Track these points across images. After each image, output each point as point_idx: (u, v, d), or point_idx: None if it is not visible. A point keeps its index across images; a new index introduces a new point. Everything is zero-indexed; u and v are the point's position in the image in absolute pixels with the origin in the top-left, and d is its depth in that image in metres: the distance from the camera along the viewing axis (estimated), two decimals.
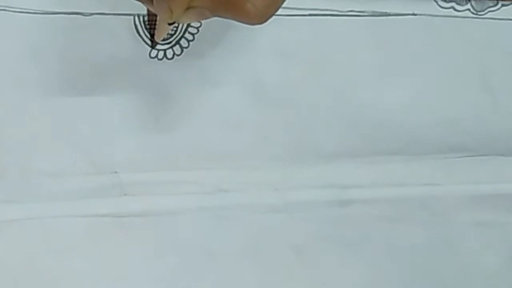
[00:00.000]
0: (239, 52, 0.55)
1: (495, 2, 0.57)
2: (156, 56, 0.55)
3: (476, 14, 0.57)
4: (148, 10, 0.53)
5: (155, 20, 0.53)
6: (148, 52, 0.54)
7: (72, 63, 0.54)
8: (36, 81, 0.54)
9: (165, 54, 0.55)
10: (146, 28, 0.54)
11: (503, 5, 0.57)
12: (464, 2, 0.56)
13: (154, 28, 0.53)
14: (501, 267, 0.60)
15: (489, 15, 0.57)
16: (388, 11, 0.56)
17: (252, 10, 0.41)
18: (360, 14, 0.56)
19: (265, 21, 0.42)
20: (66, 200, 0.55)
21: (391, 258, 0.59)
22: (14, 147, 0.55)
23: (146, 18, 0.54)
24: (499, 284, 0.60)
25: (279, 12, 0.54)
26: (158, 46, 0.54)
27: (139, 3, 0.44)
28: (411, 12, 0.56)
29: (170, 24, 0.46)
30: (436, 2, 0.56)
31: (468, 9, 0.57)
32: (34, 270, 0.54)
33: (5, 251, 0.54)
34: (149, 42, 0.54)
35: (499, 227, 0.60)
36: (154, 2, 0.43)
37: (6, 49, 0.53)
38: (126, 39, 0.54)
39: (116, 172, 0.56)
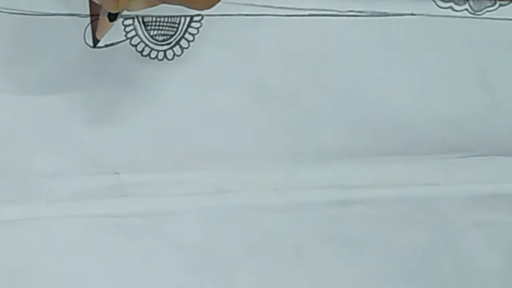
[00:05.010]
0: (240, 52, 0.55)
1: (493, 2, 0.57)
2: (156, 57, 0.55)
3: (474, 14, 0.57)
4: (90, 6, 0.52)
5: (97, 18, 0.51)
6: (141, 51, 0.54)
7: (71, 64, 0.54)
8: (36, 82, 0.54)
9: (165, 55, 0.55)
10: (146, 30, 0.54)
11: (501, 5, 0.57)
12: (462, 2, 0.57)
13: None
14: (501, 267, 0.60)
15: (487, 15, 0.57)
16: (387, 11, 0.56)
17: None
18: (359, 14, 0.56)
19: (213, 6, 0.42)
20: (66, 200, 0.55)
21: (391, 258, 0.59)
22: (14, 147, 0.55)
23: (145, 20, 0.54)
24: (499, 284, 0.60)
25: (279, 12, 0.55)
26: (158, 47, 0.55)
27: None
28: (409, 12, 0.57)
29: (111, 19, 0.44)
30: (435, 2, 0.57)
31: (466, 9, 0.57)
32: (34, 270, 0.54)
33: (5, 251, 0.54)
34: (149, 44, 0.54)
35: (499, 227, 0.60)
36: None
37: (3, 50, 0.53)
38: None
39: (116, 173, 0.56)
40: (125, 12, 0.44)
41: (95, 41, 0.53)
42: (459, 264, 0.60)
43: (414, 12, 0.57)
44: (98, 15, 0.50)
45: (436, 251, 0.60)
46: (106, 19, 0.45)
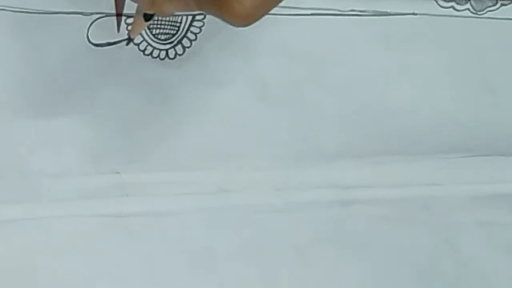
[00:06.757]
0: (242, 51, 0.55)
1: (495, 1, 0.57)
2: (158, 56, 0.55)
3: (475, 13, 0.57)
4: (116, 5, 0.52)
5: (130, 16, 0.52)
6: (143, 50, 0.54)
7: (73, 62, 0.54)
8: (37, 80, 0.53)
9: (167, 54, 0.55)
10: (148, 28, 0.54)
11: (502, 5, 0.57)
12: (464, 1, 0.57)
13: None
14: (501, 267, 0.60)
15: (488, 14, 0.57)
16: (388, 10, 0.56)
17: (239, 10, 0.39)
18: (361, 13, 0.56)
19: (251, 23, 0.40)
20: (67, 200, 0.55)
21: (391, 258, 0.59)
22: (14, 147, 0.54)
23: (148, 18, 0.54)
24: (499, 284, 0.60)
25: (281, 11, 0.55)
26: (160, 46, 0.54)
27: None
28: (411, 12, 0.57)
29: (147, 19, 0.44)
30: (436, 1, 0.57)
31: (468, 9, 0.57)
32: (34, 270, 0.54)
33: (5, 251, 0.54)
34: (152, 42, 0.54)
35: (499, 227, 0.61)
36: None
37: (5, 49, 0.53)
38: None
39: (117, 173, 0.56)
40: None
41: (129, 40, 0.53)
42: (459, 264, 0.60)
43: (415, 12, 0.57)
44: (120, 14, 0.50)
45: (437, 251, 0.60)
46: (142, 18, 0.45)
